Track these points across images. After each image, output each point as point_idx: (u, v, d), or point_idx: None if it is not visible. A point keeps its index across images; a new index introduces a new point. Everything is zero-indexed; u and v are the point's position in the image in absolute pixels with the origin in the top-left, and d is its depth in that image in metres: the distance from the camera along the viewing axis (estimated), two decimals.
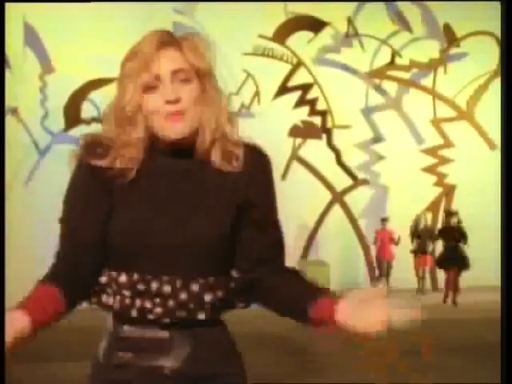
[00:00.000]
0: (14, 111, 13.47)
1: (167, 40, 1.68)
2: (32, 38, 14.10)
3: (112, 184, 1.67)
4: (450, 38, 16.97)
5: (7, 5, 12.51)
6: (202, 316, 1.67)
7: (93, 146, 1.69)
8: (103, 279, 1.69)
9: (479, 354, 7.60)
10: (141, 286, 1.65)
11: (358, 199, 16.50)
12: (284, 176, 15.97)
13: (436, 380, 6.50)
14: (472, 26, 16.59)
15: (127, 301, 1.66)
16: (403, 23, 16.86)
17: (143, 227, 1.65)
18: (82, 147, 1.70)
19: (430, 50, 16.86)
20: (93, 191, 1.68)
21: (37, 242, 12.43)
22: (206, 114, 1.68)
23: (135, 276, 1.65)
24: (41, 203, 12.95)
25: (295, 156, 16.24)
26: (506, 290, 3.67)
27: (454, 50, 17.02)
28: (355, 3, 16.63)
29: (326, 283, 14.32)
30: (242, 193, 1.71)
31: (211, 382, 1.70)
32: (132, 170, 1.67)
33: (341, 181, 16.27)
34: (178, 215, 1.66)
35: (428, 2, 16.86)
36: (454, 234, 13.64)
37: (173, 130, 1.65)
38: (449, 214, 14.29)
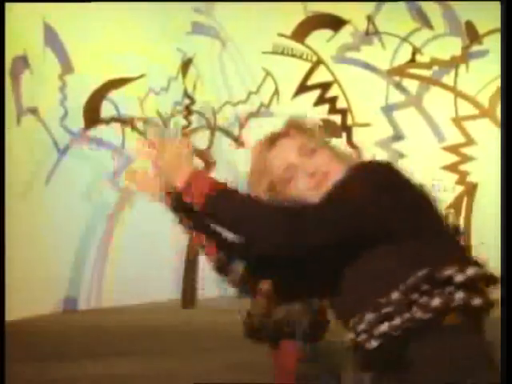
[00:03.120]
0: (34, 111, 13.51)
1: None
2: (52, 39, 14.13)
3: None
4: (472, 35, 16.80)
5: (26, 5, 12.56)
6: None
7: None
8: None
9: None
10: None
11: None
12: None
13: None
14: (494, 22, 16.41)
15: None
16: (424, 20, 16.73)
17: None
18: None
19: (452, 47, 16.70)
20: None
21: (58, 241, 12.46)
22: None
23: None
24: (61, 202, 12.99)
25: None
26: (506, 289, 3.62)
27: (475, 48, 16.85)
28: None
29: None
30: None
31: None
32: None
33: None
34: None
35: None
36: None
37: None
38: None
